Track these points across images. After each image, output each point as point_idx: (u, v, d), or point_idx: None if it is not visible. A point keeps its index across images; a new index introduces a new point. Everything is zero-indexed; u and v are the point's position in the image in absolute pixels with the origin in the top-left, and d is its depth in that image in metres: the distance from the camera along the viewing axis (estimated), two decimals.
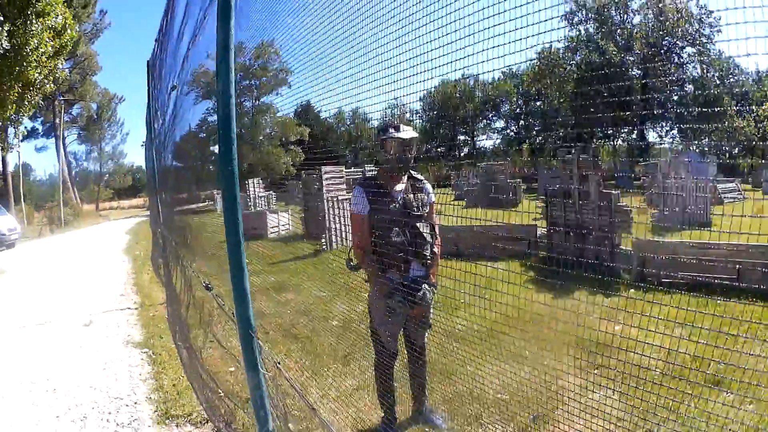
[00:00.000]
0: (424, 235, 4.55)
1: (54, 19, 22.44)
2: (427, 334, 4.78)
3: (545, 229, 13.07)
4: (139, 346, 8.76)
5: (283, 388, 4.03)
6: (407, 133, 4.48)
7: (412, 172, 4.71)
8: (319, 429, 4.33)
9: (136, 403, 6.51)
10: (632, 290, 8.58)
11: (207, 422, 5.73)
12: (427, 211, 4.65)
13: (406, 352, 4.89)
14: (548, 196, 13.01)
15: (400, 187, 4.63)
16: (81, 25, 54.97)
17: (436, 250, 4.66)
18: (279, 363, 3.69)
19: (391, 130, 4.46)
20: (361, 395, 5.53)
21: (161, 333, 9.30)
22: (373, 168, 4.98)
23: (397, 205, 4.53)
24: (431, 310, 4.67)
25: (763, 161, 34.88)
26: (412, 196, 4.60)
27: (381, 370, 4.74)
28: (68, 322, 10.78)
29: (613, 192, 11.58)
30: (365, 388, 5.54)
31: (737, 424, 4.29)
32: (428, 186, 4.76)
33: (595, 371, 4.59)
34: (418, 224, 4.53)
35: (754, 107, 49.22)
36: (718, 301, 6.90)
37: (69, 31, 24.60)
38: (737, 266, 8.96)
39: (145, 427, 5.84)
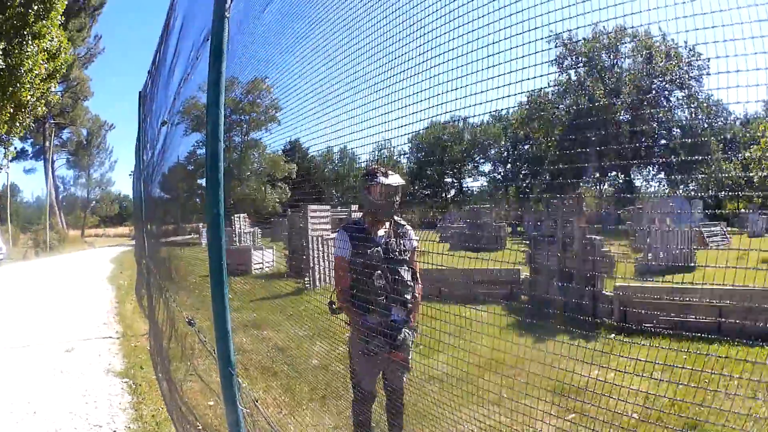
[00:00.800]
0: (406, 279, 4.56)
1: (49, 41, 22.51)
2: (405, 377, 4.80)
3: (528, 274, 13.15)
4: (119, 375, 8.77)
5: (260, 425, 4.06)
6: (394, 180, 4.49)
7: (396, 217, 4.73)
8: None
9: (115, 431, 6.53)
10: (613, 335, 8.65)
11: None
12: (409, 255, 4.67)
13: (384, 393, 4.91)
14: (532, 240, 13.11)
15: (383, 231, 4.66)
16: (75, 49, 55.07)
17: (417, 294, 4.68)
18: (257, 400, 3.73)
19: (379, 176, 4.46)
20: None
21: (142, 363, 9.31)
22: (358, 210, 5.00)
23: (380, 249, 4.54)
24: (411, 354, 4.69)
25: (749, 205, 35.19)
26: (394, 240, 4.62)
27: (358, 411, 4.74)
28: (50, 346, 10.80)
29: (596, 238, 11.68)
30: (342, 428, 5.57)
31: None
32: (411, 231, 4.79)
33: (572, 414, 4.65)
34: (399, 269, 4.54)
35: (741, 150, 49.48)
36: (699, 346, 6.99)
37: (63, 54, 24.66)
38: (719, 310, 9.06)
39: None
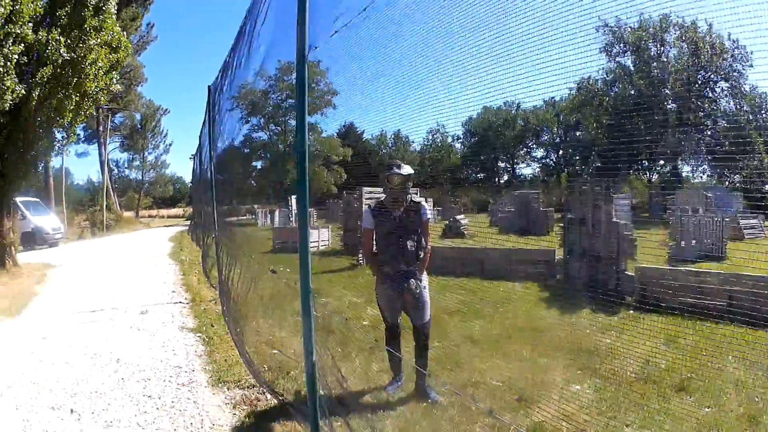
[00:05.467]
0: (414, 243, 6.11)
1: (109, 34, 23.23)
2: (428, 317, 6.20)
3: (563, 255, 13.90)
4: (193, 331, 9.79)
5: (325, 361, 5.12)
6: (406, 170, 6.11)
7: (413, 196, 6.33)
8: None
9: (193, 370, 7.68)
10: (631, 311, 9.47)
11: (254, 386, 6.88)
12: (420, 226, 6.19)
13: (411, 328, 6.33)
14: (566, 223, 13.86)
15: (401, 207, 6.20)
16: (128, 37, 55.86)
17: (421, 254, 6.16)
18: (328, 302, 4.88)
19: (394, 168, 6.08)
20: (381, 376, 6.67)
21: (212, 322, 10.29)
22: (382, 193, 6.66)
23: (395, 221, 6.12)
24: (426, 295, 6.16)
25: None
26: (406, 215, 6.15)
27: (388, 340, 6.24)
28: (125, 310, 11.82)
29: (621, 222, 12.39)
30: (384, 371, 6.70)
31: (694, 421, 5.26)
32: (425, 206, 6.35)
33: (579, 371, 5.76)
34: (408, 236, 6.10)
35: None
36: (707, 325, 7.85)
37: (123, 50, 25.42)
38: (729, 294, 9.69)
39: (201, 387, 7.01)
